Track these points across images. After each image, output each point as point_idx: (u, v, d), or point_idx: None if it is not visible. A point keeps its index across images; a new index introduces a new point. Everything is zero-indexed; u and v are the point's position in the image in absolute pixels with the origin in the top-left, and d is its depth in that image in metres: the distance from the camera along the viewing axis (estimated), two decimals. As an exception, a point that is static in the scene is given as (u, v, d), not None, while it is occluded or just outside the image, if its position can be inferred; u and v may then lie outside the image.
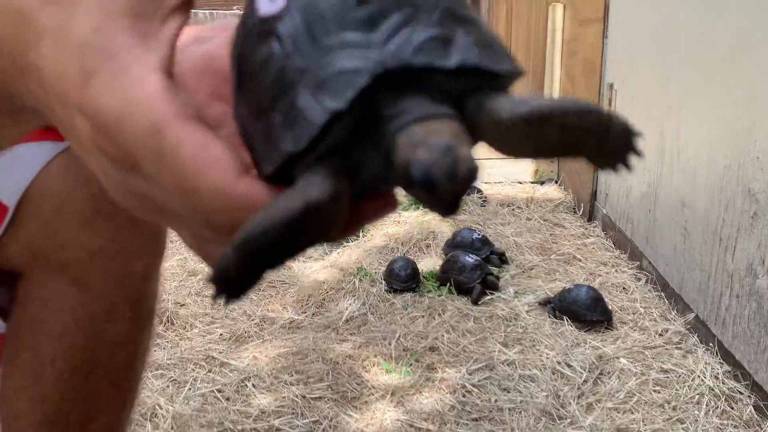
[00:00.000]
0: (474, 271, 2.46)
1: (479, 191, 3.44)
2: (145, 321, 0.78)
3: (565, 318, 2.19)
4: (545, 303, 2.32)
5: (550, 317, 2.24)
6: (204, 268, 2.72)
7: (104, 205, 0.67)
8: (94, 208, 0.68)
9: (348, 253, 2.84)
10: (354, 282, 2.54)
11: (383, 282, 2.53)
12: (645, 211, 2.48)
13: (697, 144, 2.04)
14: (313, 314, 2.37)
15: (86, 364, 0.71)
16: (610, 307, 2.22)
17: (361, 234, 3.04)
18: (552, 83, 3.75)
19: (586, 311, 2.19)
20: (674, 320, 2.15)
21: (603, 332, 2.12)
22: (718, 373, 1.82)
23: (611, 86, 2.85)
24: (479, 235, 2.75)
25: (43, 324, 0.71)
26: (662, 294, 2.31)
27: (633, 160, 0.32)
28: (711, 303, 1.94)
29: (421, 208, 3.35)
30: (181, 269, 2.70)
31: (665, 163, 2.27)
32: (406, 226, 3.15)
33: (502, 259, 2.69)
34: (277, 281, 2.61)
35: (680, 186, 2.16)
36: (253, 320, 2.28)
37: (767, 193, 1.62)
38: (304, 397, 1.83)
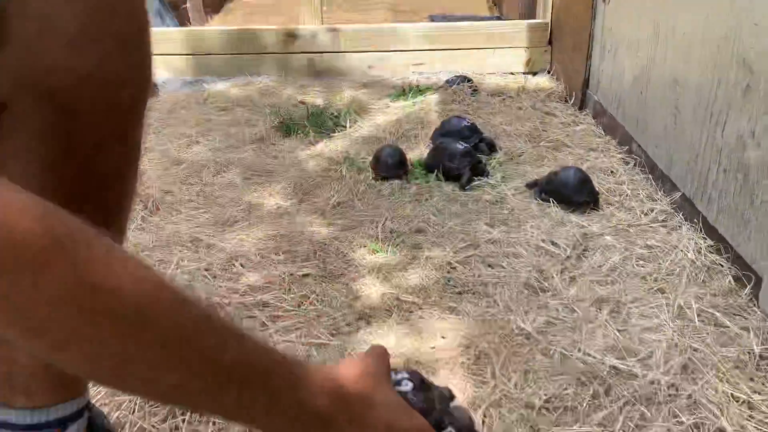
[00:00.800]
0: (464, 158, 2.43)
1: (469, 81, 3.35)
2: (133, 156, 0.76)
3: (551, 200, 2.18)
4: (532, 185, 2.33)
5: (536, 200, 2.24)
6: (189, 157, 2.67)
7: (89, 25, 0.64)
8: (79, 27, 0.64)
9: (335, 143, 2.79)
10: (341, 170, 2.51)
11: (371, 170, 2.52)
12: (636, 94, 2.41)
13: (693, 19, 1.95)
14: (301, 201, 2.35)
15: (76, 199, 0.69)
16: (597, 189, 2.21)
17: (347, 124, 2.98)
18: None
19: (573, 193, 2.19)
20: (660, 200, 2.15)
21: (589, 213, 2.12)
22: (701, 248, 1.84)
23: (609, -36, 2.70)
24: (468, 122, 2.69)
25: (32, 153, 0.67)
26: (650, 176, 2.29)
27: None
28: (698, 180, 1.92)
29: (410, 98, 3.27)
30: (166, 158, 2.65)
31: (660, 43, 2.18)
32: (394, 116, 3.08)
33: (491, 148, 2.65)
34: (263, 171, 2.58)
35: (674, 64, 2.09)
36: (239, 206, 2.26)
37: (762, 63, 1.56)
38: (291, 274, 1.84)
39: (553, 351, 1.47)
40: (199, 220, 2.16)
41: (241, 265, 1.88)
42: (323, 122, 3.01)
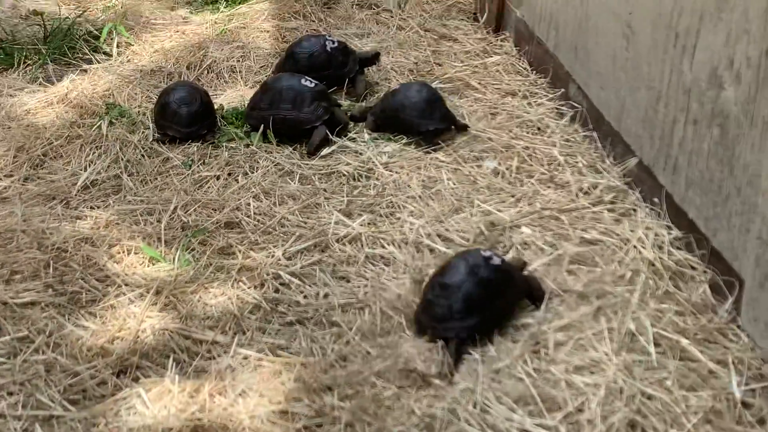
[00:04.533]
0: (315, 103, 2.41)
1: (323, -18, 3.36)
2: None
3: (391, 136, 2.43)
4: (362, 115, 2.50)
5: (369, 134, 2.44)
6: None
7: None
8: None
9: (90, 81, 2.71)
10: (100, 126, 2.44)
11: (152, 127, 2.46)
12: (575, 5, 2.52)
13: None
14: (26, 178, 2.26)
15: None
16: (514, 150, 2.30)
17: (113, 49, 2.89)
18: None
19: (420, 119, 2.37)
20: (608, 170, 2.25)
21: (497, 192, 2.18)
22: (663, 241, 1.94)
23: None
24: (334, 42, 2.69)
25: None
26: (594, 134, 2.40)
27: None
28: (660, 138, 2.03)
29: (224, 6, 3.23)
30: None
31: None
32: (194, 36, 3.02)
33: (367, 84, 2.71)
34: (-36, 126, 2.46)
35: (625, -43, 2.20)
36: None
37: (743, -47, 1.67)
38: (5, 303, 1.77)
39: (438, 408, 1.50)
40: None
41: None
42: (72, 46, 2.92)
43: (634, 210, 2.08)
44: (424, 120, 2.40)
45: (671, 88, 1.97)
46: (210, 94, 2.61)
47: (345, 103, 2.66)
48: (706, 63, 1.82)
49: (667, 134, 2.00)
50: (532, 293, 1.77)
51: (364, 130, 2.48)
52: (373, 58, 2.75)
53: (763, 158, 1.61)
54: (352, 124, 2.50)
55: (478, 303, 1.67)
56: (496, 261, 1.72)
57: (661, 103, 2.02)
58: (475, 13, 3.35)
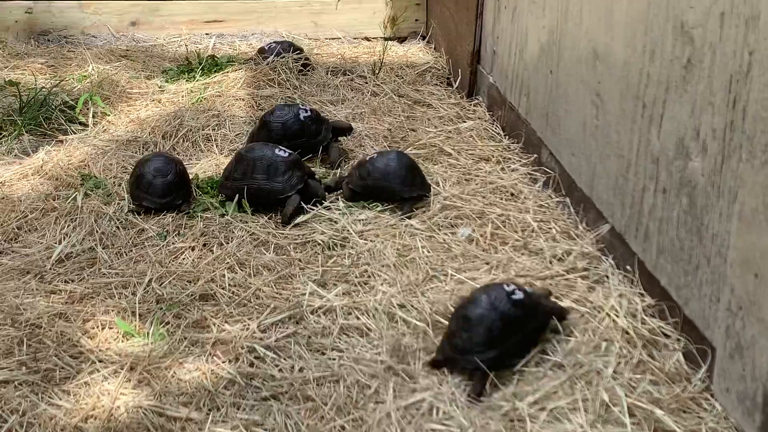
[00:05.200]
0: (288, 173, 2.44)
1: (298, 49, 3.40)
2: None
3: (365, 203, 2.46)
4: (336, 185, 2.54)
5: (344, 203, 2.47)
6: None
7: None
8: None
9: (65, 152, 2.72)
10: (75, 198, 2.44)
11: (128, 198, 2.46)
12: (545, 73, 2.57)
13: (616, -42, 2.12)
14: (0, 252, 2.26)
15: None
16: (488, 217, 2.32)
17: (89, 119, 2.92)
18: None
19: (402, 186, 2.44)
20: (581, 236, 2.28)
21: (472, 260, 2.20)
22: (636, 309, 1.96)
23: None
24: (307, 111, 2.72)
25: None
26: (567, 199, 2.43)
27: None
28: (630, 205, 2.07)
29: (199, 76, 3.26)
30: None
31: (573, -7, 2.35)
32: (170, 106, 3.05)
33: (341, 152, 2.74)
34: (-62, 199, 2.46)
35: (593, 26, 2.24)
36: None
37: (707, 28, 1.72)
38: (-25, 382, 1.76)
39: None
40: None
41: None
42: (48, 117, 2.93)
43: (608, 277, 2.11)
44: (406, 187, 2.45)
45: (640, 157, 2.01)
46: (185, 163, 2.63)
47: (320, 170, 2.68)
48: (673, 133, 1.86)
49: (638, 202, 2.03)
50: (557, 318, 1.90)
51: (339, 199, 2.50)
52: (346, 130, 2.80)
53: (731, 228, 1.64)
54: (326, 193, 2.51)
55: (499, 336, 1.78)
56: (518, 295, 1.83)
57: (630, 171, 2.06)
58: (448, 78, 3.41)
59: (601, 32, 2.19)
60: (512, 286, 1.85)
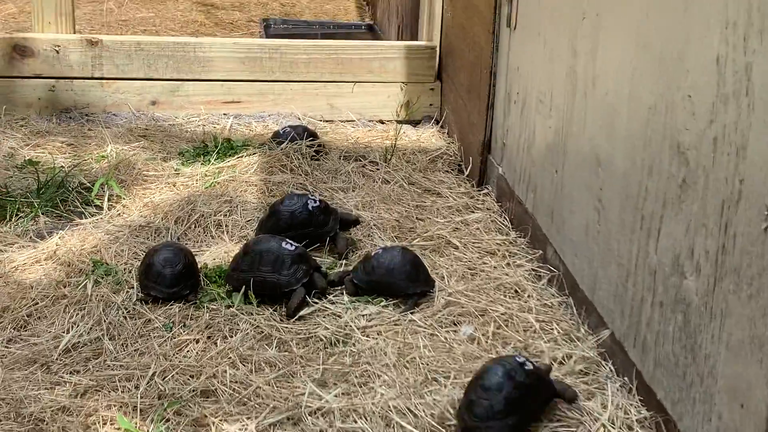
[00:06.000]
0: (294, 266, 2.48)
1: (312, 135, 3.47)
2: None
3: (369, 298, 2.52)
4: (340, 279, 2.59)
5: (349, 297, 2.52)
6: None
7: None
8: None
9: (79, 237, 2.78)
10: (85, 285, 2.49)
11: (137, 286, 2.51)
12: (551, 172, 2.61)
13: (617, 72, 2.16)
14: (9, 340, 2.30)
15: None
16: (491, 315, 2.35)
17: (104, 203, 2.98)
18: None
19: (408, 281, 2.51)
20: (583, 340, 2.30)
21: (473, 361, 2.22)
22: (632, 422, 1.98)
23: (513, -27, 2.96)
24: (315, 202, 2.79)
25: None
26: (570, 300, 2.46)
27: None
28: (630, 314, 2.09)
29: (214, 160, 3.33)
30: None
31: (578, 95, 2.40)
32: (184, 190, 3.11)
33: (349, 242, 2.79)
34: (-48, 283, 2.52)
35: (595, 133, 2.29)
36: None
37: (700, 151, 1.76)
38: (-25, 481, 1.79)
39: None
40: None
41: None
42: (64, 198, 3.01)
43: (605, 385, 2.12)
44: (410, 283, 2.50)
45: (639, 268, 2.04)
46: (196, 250, 2.68)
47: (327, 260, 2.73)
48: (669, 249, 1.89)
49: (636, 312, 2.06)
50: (562, 395, 2.04)
51: (344, 292, 2.54)
52: (353, 223, 2.86)
53: (722, 351, 1.67)
54: (329, 288, 2.56)
55: (516, 404, 1.90)
56: (529, 366, 1.99)
57: (630, 280, 2.09)
58: (459, 165, 3.46)
59: (603, 140, 2.24)
60: (522, 358, 2.01)
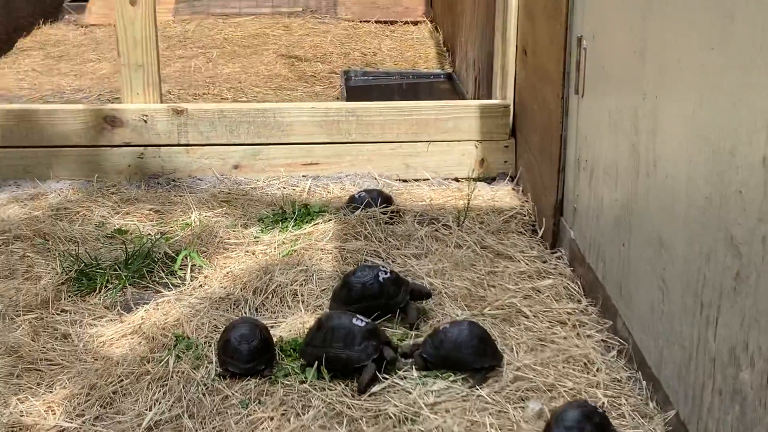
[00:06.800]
0: (365, 342, 2.57)
1: (387, 200, 3.55)
2: None
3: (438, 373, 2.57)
4: (411, 351, 2.65)
5: (418, 371, 2.57)
6: None
7: None
8: None
9: (163, 310, 2.90)
10: (167, 361, 2.61)
11: (216, 361, 2.62)
12: (618, 245, 2.64)
13: (676, 156, 2.19)
14: (96, 417, 2.42)
15: None
16: (559, 390, 2.38)
17: (188, 274, 3.11)
18: (507, 22, 3.88)
19: (476, 356, 2.55)
20: (651, 417, 2.32)
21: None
22: (695, 507, 1.99)
23: (580, 41, 2.99)
24: (386, 273, 2.87)
25: None
26: (638, 374, 2.48)
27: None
28: (693, 397, 2.11)
29: (292, 226, 3.43)
30: None
31: (641, 173, 2.43)
32: (262, 259, 3.23)
33: (419, 312, 2.85)
34: (43, 360, 2.65)
35: (656, 215, 2.32)
36: (-5, 431, 2.32)
37: (752, 247, 1.78)
38: None
39: None
40: None
41: None
42: (151, 270, 3.13)
43: (670, 468, 2.14)
44: (477, 358, 2.55)
45: (699, 353, 2.06)
46: (272, 322, 2.79)
47: (398, 330, 2.80)
48: (726, 340, 1.91)
49: (698, 396, 2.08)
50: None
51: (413, 367, 2.60)
52: (425, 296, 2.90)
53: (776, 450, 1.68)
54: (401, 360, 2.62)
55: None
56: (600, 410, 2.20)
57: (692, 364, 2.11)
58: (533, 225, 3.50)
59: (665, 222, 2.26)
60: (590, 405, 2.23)
